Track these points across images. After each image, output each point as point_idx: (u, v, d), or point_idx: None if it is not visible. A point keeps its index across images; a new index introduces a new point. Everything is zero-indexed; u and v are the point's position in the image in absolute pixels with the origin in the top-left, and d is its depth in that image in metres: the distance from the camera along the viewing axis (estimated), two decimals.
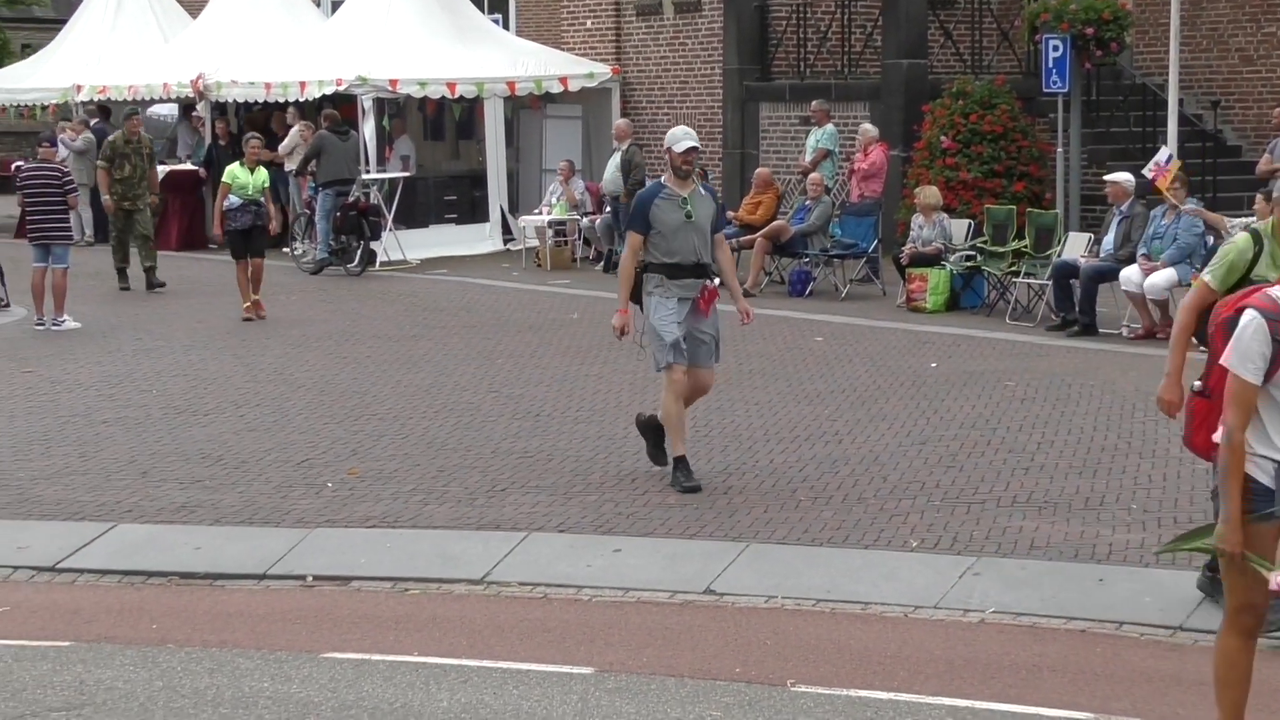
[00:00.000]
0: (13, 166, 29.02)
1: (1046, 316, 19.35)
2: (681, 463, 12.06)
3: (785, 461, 12.79)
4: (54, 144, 22.02)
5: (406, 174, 27.96)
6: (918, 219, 21.48)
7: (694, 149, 12.10)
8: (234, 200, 21.02)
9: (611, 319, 12.32)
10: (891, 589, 9.91)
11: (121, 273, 24.47)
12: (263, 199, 21.30)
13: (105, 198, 24.74)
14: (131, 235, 24.55)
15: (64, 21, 38.24)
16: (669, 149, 12.18)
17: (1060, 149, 22.55)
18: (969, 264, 20.75)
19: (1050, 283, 19.22)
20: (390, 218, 26.81)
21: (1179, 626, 9.15)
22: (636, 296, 12.25)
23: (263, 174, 21.43)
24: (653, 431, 12.46)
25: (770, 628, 9.33)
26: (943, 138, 23.38)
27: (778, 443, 13.44)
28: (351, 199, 25.77)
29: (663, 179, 12.29)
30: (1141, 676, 8.36)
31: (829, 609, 9.70)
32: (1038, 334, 18.76)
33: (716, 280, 12.26)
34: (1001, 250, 20.57)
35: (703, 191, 12.29)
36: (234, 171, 21.22)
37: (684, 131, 12.24)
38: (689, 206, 12.00)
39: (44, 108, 34.73)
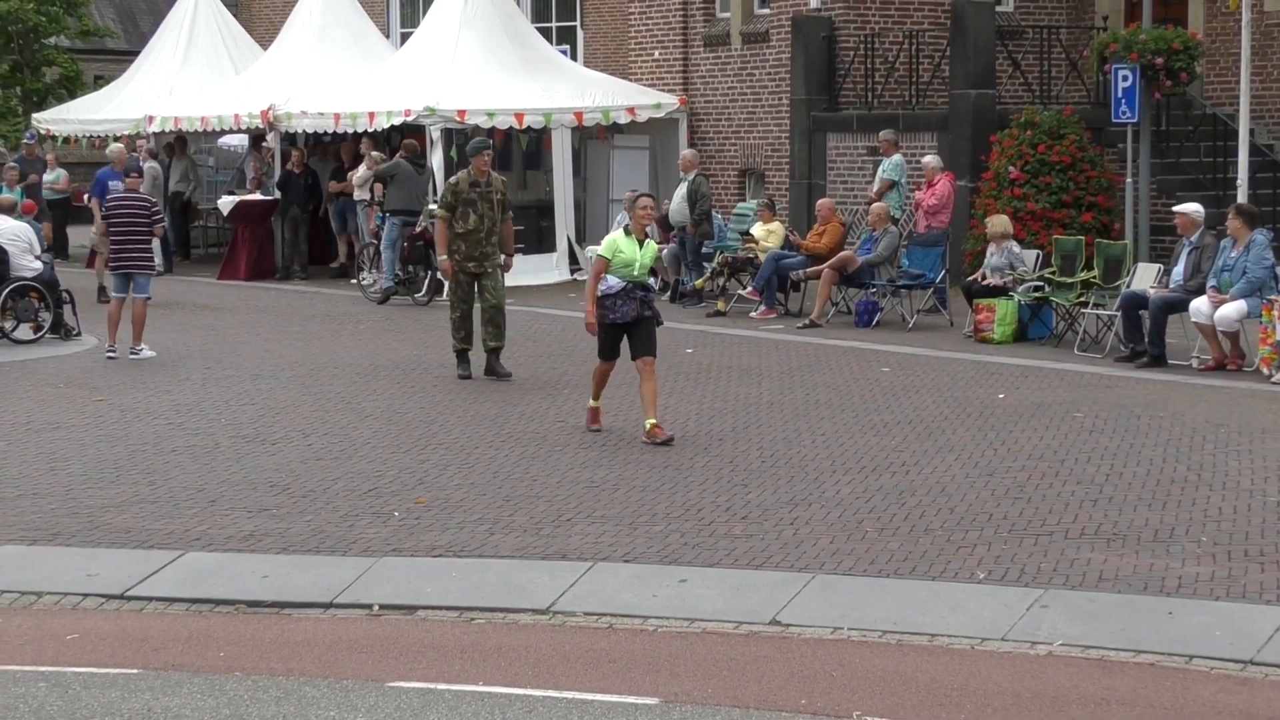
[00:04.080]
0: (89, 198, 29.17)
1: (1115, 347, 19.24)
2: None
3: (852, 492, 12.75)
4: (141, 174, 22.01)
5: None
6: (990, 248, 21.43)
7: None
8: (613, 282, 14.92)
9: None
10: (958, 621, 9.87)
11: (462, 356, 18.52)
12: (652, 281, 15.89)
13: (442, 258, 18.60)
14: (479, 303, 18.43)
15: (136, 53, 38.60)
16: None
17: (1129, 179, 22.45)
18: (1037, 294, 20.67)
19: (1119, 313, 19.12)
20: None
21: (1249, 660, 9.07)
22: None
23: (653, 248, 15.29)
24: None
25: (836, 659, 9.30)
26: (1010, 168, 23.31)
27: (844, 473, 13.40)
28: (418, 229, 25.90)
29: None
30: (1211, 710, 8.28)
31: (895, 640, 9.66)
32: (1106, 365, 18.65)
33: None
34: (1070, 281, 20.49)
35: None
36: (616, 244, 14.99)
37: None
38: None
39: (116, 138, 35.05)
